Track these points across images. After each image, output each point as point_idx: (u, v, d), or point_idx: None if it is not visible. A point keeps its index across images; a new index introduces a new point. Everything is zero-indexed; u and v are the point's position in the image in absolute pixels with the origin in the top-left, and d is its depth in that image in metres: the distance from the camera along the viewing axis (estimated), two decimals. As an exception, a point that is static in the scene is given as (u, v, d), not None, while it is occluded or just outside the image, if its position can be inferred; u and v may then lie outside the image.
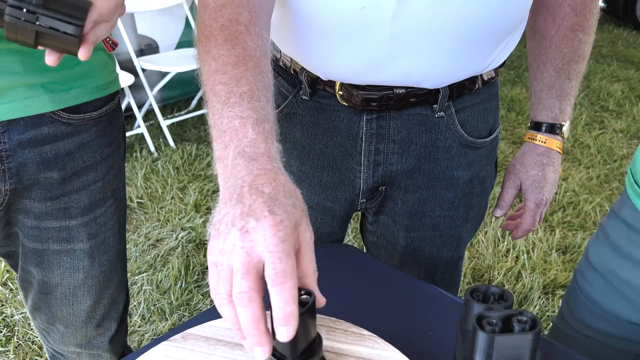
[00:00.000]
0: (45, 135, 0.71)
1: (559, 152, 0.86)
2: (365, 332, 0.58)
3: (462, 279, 1.84)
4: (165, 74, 2.93)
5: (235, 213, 0.44)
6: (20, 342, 1.60)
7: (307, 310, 0.47)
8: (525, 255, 1.94)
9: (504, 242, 2.03)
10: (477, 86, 0.76)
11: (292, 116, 0.78)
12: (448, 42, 0.65)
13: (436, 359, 0.60)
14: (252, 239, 0.43)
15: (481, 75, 0.75)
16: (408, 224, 0.82)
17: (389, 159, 0.77)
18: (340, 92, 0.73)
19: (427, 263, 0.86)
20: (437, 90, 0.72)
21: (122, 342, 0.96)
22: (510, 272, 1.87)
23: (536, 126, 0.86)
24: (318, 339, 0.50)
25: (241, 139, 0.50)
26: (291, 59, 0.76)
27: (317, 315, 0.61)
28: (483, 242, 2.06)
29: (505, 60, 0.80)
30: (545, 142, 0.84)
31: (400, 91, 0.71)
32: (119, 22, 2.84)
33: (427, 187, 0.79)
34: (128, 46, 2.80)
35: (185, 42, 3.22)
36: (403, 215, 0.82)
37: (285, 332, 0.42)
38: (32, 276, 0.83)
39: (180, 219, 2.22)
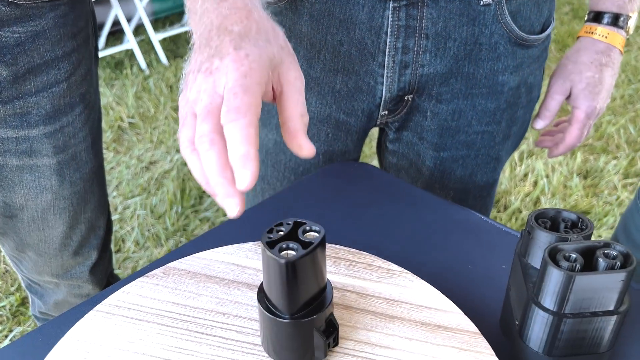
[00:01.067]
0: None
1: (621, 51, 0.71)
2: (395, 266, 0.46)
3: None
4: (155, -17, 2.70)
5: (202, 58, 0.40)
6: (7, 267, 1.51)
7: (311, 251, 0.34)
8: (544, 179, 1.82)
9: (521, 165, 1.91)
10: None
11: (297, 5, 0.62)
12: None
13: (481, 298, 0.49)
14: (214, 79, 0.38)
15: None
16: (438, 141, 0.69)
17: (420, 59, 0.62)
18: None
19: (456, 188, 0.73)
20: None
21: (105, 271, 0.85)
22: (528, 198, 1.76)
23: (596, 17, 0.70)
24: (328, 289, 0.38)
25: None
26: None
27: (332, 246, 0.48)
28: (498, 165, 1.93)
29: None
30: (606, 37, 0.69)
31: None
32: None
33: (465, 95, 0.65)
34: (113, -50, 2.54)
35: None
36: (432, 131, 0.68)
37: (242, 178, 0.35)
38: None
39: (174, 141, 2.08)
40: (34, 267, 0.79)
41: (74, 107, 0.67)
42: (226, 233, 0.56)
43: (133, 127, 2.18)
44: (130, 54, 2.70)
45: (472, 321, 0.45)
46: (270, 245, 0.35)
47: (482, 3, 0.59)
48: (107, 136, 2.10)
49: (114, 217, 1.71)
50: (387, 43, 0.61)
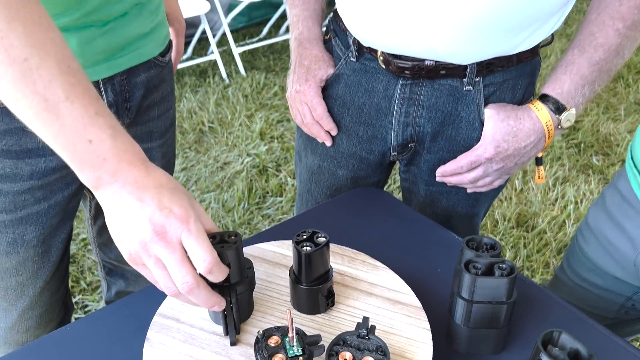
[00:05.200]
0: (151, 76, 0.86)
1: (545, 130, 0.80)
2: (380, 264, 0.72)
3: (505, 223, 1.93)
4: (237, 1, 3.03)
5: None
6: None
7: (319, 248, 0.61)
8: (572, 205, 1.99)
9: (554, 190, 2.08)
10: (509, 64, 0.80)
11: (339, 77, 0.89)
12: (469, 22, 0.72)
13: (438, 291, 0.73)
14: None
15: (516, 54, 0.80)
16: (428, 179, 0.92)
17: (417, 122, 0.86)
18: (381, 57, 0.83)
19: (442, 214, 0.96)
20: (465, 66, 0.79)
21: None
22: (554, 221, 1.93)
23: (540, 99, 0.81)
24: (330, 270, 0.64)
25: (293, 31, 0.94)
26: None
27: (342, 247, 0.75)
28: (533, 189, 2.11)
29: (552, 36, 0.83)
30: (538, 110, 0.80)
31: (429, 63, 0.79)
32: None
33: (448, 150, 0.88)
34: (205, -27, 2.90)
35: (259, -32, 3.27)
36: (425, 171, 0.92)
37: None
38: None
39: (246, 145, 2.40)
40: None
41: (172, 126, 0.96)
42: (278, 232, 0.83)
43: (212, 130, 2.52)
44: (213, 63, 3.05)
45: (428, 304, 0.70)
46: (297, 243, 0.62)
47: (465, 89, 0.82)
48: (189, 137, 2.45)
49: (192, 208, 2.04)
50: (395, 108, 0.86)
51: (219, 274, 0.53)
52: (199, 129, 2.52)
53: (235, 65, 3.05)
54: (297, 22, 0.92)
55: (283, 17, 3.39)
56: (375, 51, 0.83)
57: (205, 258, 0.52)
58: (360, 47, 0.85)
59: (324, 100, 0.90)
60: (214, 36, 2.99)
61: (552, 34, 0.84)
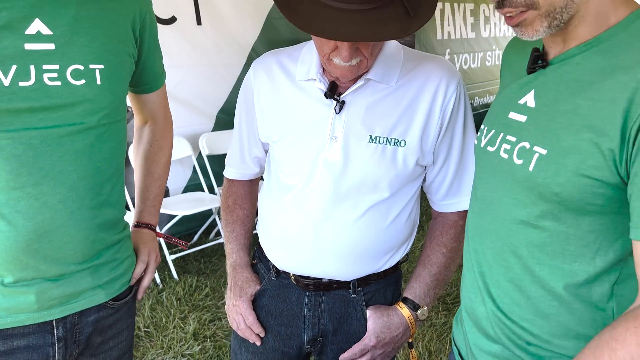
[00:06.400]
0: (101, 316, 1.11)
1: (408, 322, 1.15)
2: None
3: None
4: (173, 214, 3.43)
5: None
6: None
7: None
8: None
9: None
10: (379, 278, 1.19)
11: (264, 291, 1.23)
12: (346, 256, 1.12)
13: None
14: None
15: (382, 271, 1.18)
16: None
17: (321, 321, 1.20)
18: (292, 277, 1.19)
19: None
20: (349, 281, 1.17)
21: None
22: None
23: (403, 301, 1.18)
24: None
25: (228, 259, 1.26)
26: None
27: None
28: (439, 367, 2.41)
29: (406, 256, 1.24)
30: (402, 309, 1.16)
31: (325, 280, 1.17)
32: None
33: (346, 341, 1.21)
34: (143, 192, 3.31)
35: (191, 185, 3.76)
36: (332, 358, 1.23)
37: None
38: None
39: (180, 347, 2.58)
40: None
41: (126, 353, 1.20)
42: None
43: (148, 335, 2.69)
44: (148, 270, 3.31)
45: None
46: None
47: (351, 296, 1.19)
48: (126, 343, 2.60)
49: (129, 413, 2.14)
50: (305, 312, 1.20)
51: None
52: (135, 334, 2.68)
53: (169, 270, 3.32)
54: (231, 253, 1.28)
55: (212, 224, 3.80)
56: (288, 273, 1.20)
57: None
58: (277, 270, 1.21)
59: (253, 310, 1.22)
60: (149, 245, 3.30)
61: (407, 254, 1.25)
